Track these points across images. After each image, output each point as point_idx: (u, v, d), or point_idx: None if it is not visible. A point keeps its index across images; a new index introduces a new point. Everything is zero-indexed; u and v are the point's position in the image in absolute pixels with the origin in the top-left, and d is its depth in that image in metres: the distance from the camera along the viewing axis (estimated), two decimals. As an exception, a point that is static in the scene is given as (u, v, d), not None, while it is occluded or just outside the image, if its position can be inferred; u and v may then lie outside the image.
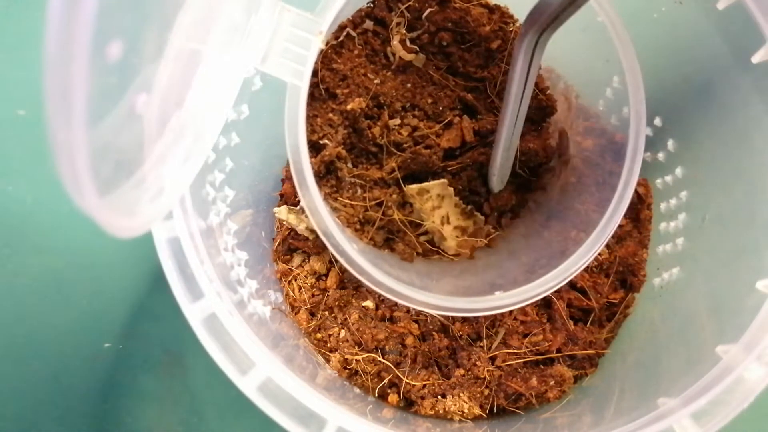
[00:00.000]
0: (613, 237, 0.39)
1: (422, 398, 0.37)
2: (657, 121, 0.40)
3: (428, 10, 0.39)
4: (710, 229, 0.36)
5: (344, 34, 0.38)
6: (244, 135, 0.37)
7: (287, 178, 0.43)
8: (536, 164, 0.41)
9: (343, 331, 0.39)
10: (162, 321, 0.42)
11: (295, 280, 0.41)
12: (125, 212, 0.20)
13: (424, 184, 0.39)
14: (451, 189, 0.40)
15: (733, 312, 0.31)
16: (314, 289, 0.40)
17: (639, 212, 0.42)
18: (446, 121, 0.40)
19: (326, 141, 0.37)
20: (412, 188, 0.39)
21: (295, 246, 0.42)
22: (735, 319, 0.30)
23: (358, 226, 0.39)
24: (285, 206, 0.41)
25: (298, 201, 0.41)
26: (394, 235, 0.40)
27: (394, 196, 0.40)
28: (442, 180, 0.40)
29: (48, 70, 0.14)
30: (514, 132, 0.36)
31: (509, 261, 0.39)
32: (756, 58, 0.31)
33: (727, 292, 0.33)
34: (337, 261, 0.40)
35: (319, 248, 0.41)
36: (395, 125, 0.39)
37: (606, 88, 0.39)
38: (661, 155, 0.40)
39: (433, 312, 0.33)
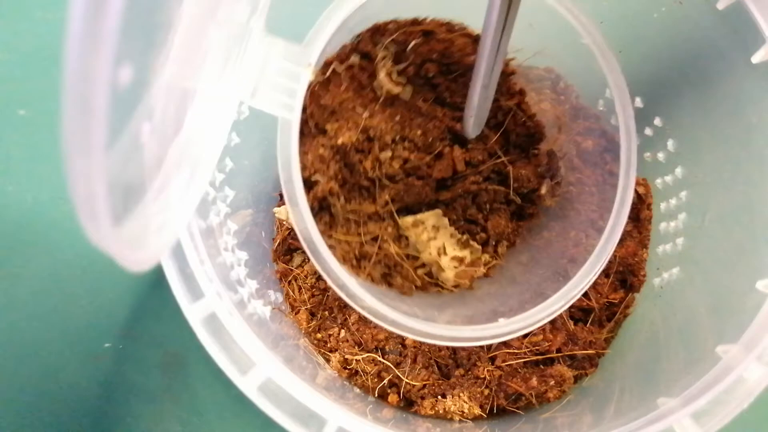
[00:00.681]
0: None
1: (422, 398, 0.37)
2: (657, 121, 0.40)
3: (413, 42, 0.39)
4: (710, 229, 0.36)
5: (330, 70, 0.38)
6: (244, 135, 0.37)
7: (287, 178, 0.43)
8: (529, 190, 0.41)
9: (343, 331, 0.39)
10: (162, 321, 0.42)
11: (295, 280, 0.41)
12: (134, 244, 0.20)
13: (419, 216, 0.39)
14: (446, 219, 0.40)
15: (733, 312, 0.31)
16: (314, 289, 0.40)
17: (639, 212, 0.42)
18: (436, 151, 0.40)
19: (318, 177, 0.37)
20: (407, 220, 0.39)
21: (295, 246, 0.42)
22: (735, 319, 0.30)
23: (354, 263, 0.39)
24: (285, 206, 0.41)
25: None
26: (392, 270, 0.39)
27: (390, 229, 0.39)
28: (437, 210, 0.40)
29: (67, 91, 0.13)
30: (494, 66, 0.33)
31: (509, 288, 0.38)
32: (756, 58, 0.31)
33: (727, 292, 0.33)
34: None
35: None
36: (386, 158, 0.39)
37: (606, 89, 0.39)
38: (661, 155, 0.40)
39: (437, 342, 0.33)
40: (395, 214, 0.39)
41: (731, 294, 0.32)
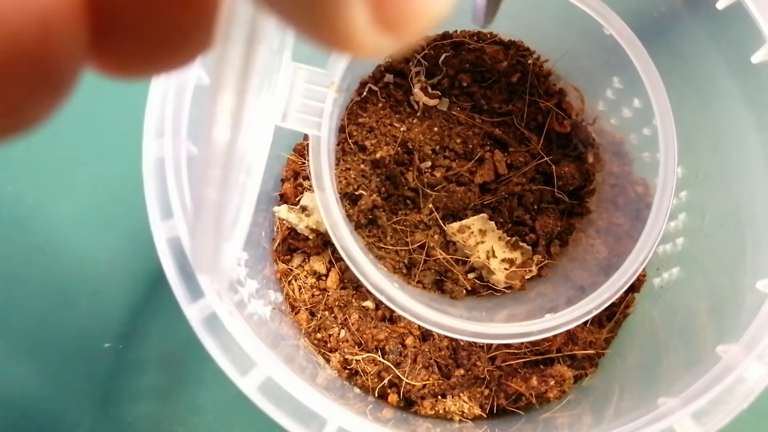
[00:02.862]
0: (612, 236, 0.39)
1: (422, 398, 0.37)
2: (656, 121, 0.40)
3: (444, 56, 0.41)
4: (710, 229, 0.36)
5: (366, 89, 0.40)
6: (244, 135, 0.37)
7: (287, 178, 0.43)
8: (575, 187, 0.41)
9: (343, 331, 0.39)
10: (162, 321, 0.42)
11: (295, 280, 0.41)
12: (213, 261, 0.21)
13: (464, 221, 0.40)
14: (492, 223, 0.40)
15: (733, 312, 0.31)
16: (314, 289, 0.40)
17: (638, 212, 0.42)
18: (478, 157, 0.41)
19: (362, 191, 0.39)
20: (453, 226, 0.40)
21: (295, 246, 0.42)
22: (735, 319, 0.30)
23: (404, 271, 0.40)
24: (285, 206, 0.41)
25: (298, 201, 0.41)
26: (443, 276, 0.40)
27: (436, 236, 0.40)
28: (482, 215, 0.40)
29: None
30: None
31: (561, 286, 0.38)
32: (756, 58, 0.31)
33: (727, 292, 0.33)
34: (337, 261, 0.41)
35: (319, 248, 0.41)
36: (427, 168, 0.40)
37: (606, 89, 0.39)
38: (660, 155, 0.40)
39: (484, 341, 0.32)
40: (441, 222, 0.40)
41: (731, 294, 0.32)
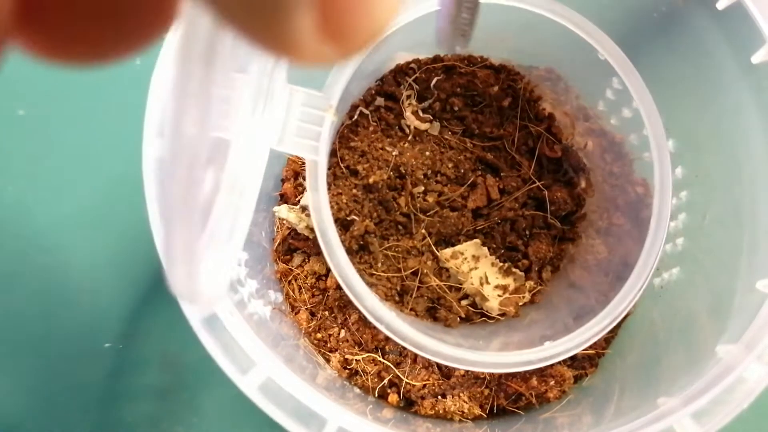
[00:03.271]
0: (612, 236, 0.39)
1: (422, 398, 0.37)
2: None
3: (435, 79, 0.41)
4: (710, 229, 0.36)
5: (357, 113, 0.40)
6: (244, 135, 0.37)
7: (287, 178, 0.43)
8: (567, 212, 0.41)
9: (343, 331, 0.39)
10: (162, 321, 0.42)
11: (295, 280, 0.41)
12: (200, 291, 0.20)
13: (457, 247, 0.40)
14: (485, 248, 0.40)
15: (733, 312, 0.31)
16: (314, 290, 0.40)
17: (639, 212, 0.42)
18: (470, 182, 0.41)
19: (354, 217, 0.38)
20: (446, 252, 0.40)
21: (295, 246, 0.42)
22: (735, 319, 0.30)
23: (397, 298, 0.39)
24: (285, 205, 0.41)
25: (299, 201, 0.41)
26: (435, 303, 0.40)
27: (429, 263, 0.40)
28: (475, 240, 0.40)
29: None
30: None
31: (556, 312, 0.38)
32: (756, 58, 0.31)
33: (727, 292, 0.33)
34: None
35: (319, 248, 0.41)
36: (419, 192, 0.40)
37: (606, 89, 0.39)
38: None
39: (484, 370, 0.32)
40: (434, 247, 0.40)
41: (731, 294, 0.32)
